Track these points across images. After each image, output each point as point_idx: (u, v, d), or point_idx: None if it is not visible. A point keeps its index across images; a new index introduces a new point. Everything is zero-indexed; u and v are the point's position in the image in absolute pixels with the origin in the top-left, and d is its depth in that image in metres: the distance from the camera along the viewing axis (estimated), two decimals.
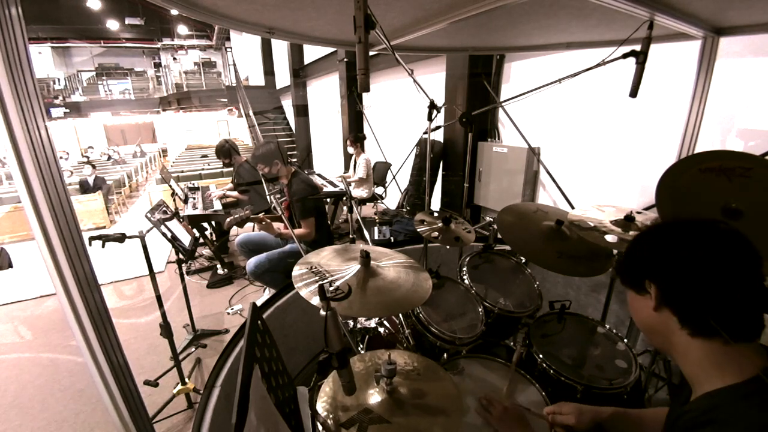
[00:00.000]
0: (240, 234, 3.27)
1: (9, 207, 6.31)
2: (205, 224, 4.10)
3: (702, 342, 0.64)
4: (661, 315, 0.68)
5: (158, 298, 2.07)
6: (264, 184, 2.53)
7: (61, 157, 10.86)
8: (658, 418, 0.87)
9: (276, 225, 2.46)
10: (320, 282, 1.07)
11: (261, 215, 2.40)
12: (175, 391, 2.22)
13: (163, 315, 2.09)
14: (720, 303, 0.61)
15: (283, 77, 11.15)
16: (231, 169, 4.50)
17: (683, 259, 0.65)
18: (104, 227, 6.83)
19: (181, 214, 3.41)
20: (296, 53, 9.40)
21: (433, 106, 1.89)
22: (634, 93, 1.44)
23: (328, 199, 4.84)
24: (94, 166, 7.64)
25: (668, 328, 0.68)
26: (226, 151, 4.14)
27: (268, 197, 2.35)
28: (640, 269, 0.72)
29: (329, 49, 7.18)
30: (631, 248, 0.76)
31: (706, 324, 0.62)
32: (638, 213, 1.49)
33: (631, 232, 1.38)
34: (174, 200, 4.28)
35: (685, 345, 0.66)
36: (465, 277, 1.57)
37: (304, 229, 2.59)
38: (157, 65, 22.12)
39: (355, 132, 6.22)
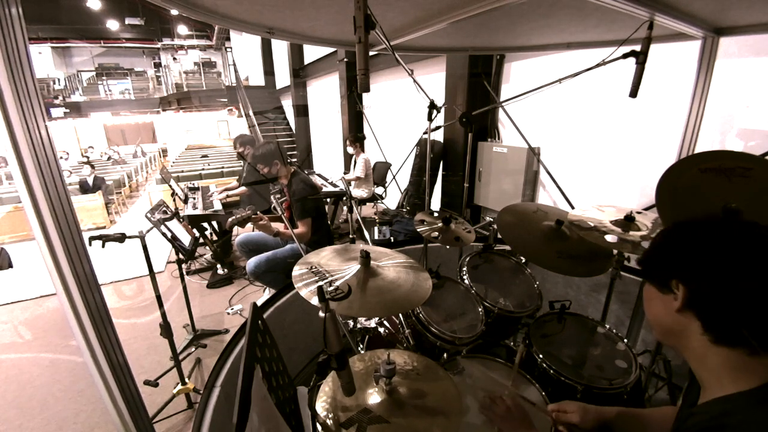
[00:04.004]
0: (240, 234, 3.27)
1: (9, 207, 6.32)
2: (206, 224, 4.11)
3: (723, 349, 0.61)
4: (683, 317, 0.64)
5: (158, 298, 2.07)
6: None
7: (61, 157, 10.86)
8: (664, 418, 0.87)
9: (275, 225, 2.46)
10: (319, 283, 1.07)
11: (259, 214, 2.40)
12: (175, 391, 2.22)
13: (163, 315, 2.09)
14: (756, 313, 0.57)
15: (283, 77, 11.15)
16: (231, 169, 4.54)
17: (721, 264, 0.60)
18: (104, 227, 6.83)
19: (181, 214, 3.42)
20: (296, 53, 9.39)
21: (433, 106, 1.89)
22: (634, 93, 1.44)
23: (328, 199, 4.84)
24: (93, 166, 7.65)
25: (687, 331, 0.65)
26: (250, 139, 4.20)
27: (270, 197, 2.35)
28: (668, 267, 0.67)
29: (329, 49, 7.18)
30: (660, 242, 0.71)
31: (734, 334, 0.59)
32: (638, 213, 1.49)
33: (632, 232, 1.38)
34: (174, 200, 4.28)
35: (703, 350, 0.63)
36: (465, 277, 1.57)
37: (301, 229, 2.59)
38: (157, 65, 22.09)
39: (355, 132, 6.22)
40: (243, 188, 4.43)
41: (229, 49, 19.00)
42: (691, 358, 0.67)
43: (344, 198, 3.54)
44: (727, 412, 0.59)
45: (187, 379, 2.26)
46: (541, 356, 1.26)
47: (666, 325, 0.69)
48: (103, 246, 1.83)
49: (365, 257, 1.16)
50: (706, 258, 0.62)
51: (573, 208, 1.71)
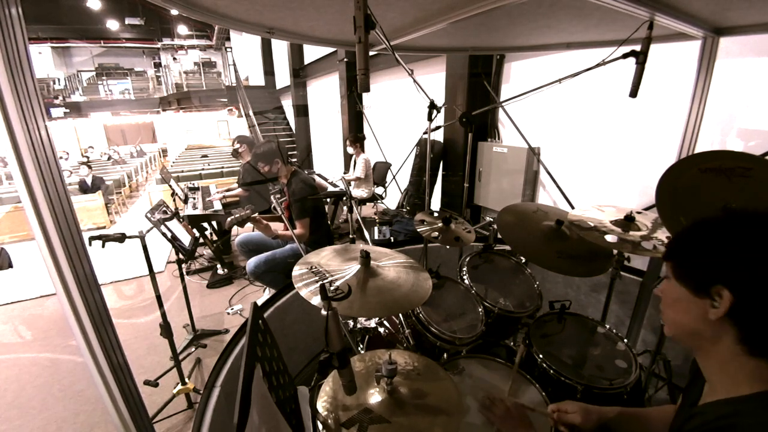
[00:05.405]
0: (240, 234, 3.27)
1: (9, 207, 6.31)
2: (205, 224, 4.12)
3: (754, 360, 0.57)
4: (717, 323, 0.58)
5: (158, 298, 2.07)
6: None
7: (61, 157, 10.86)
8: (664, 417, 0.87)
9: (275, 225, 2.45)
10: (321, 282, 1.07)
11: (257, 215, 2.40)
12: (175, 391, 2.22)
13: (163, 315, 2.09)
14: None
15: (283, 77, 11.15)
16: (231, 169, 4.54)
17: None
18: (104, 227, 6.83)
19: (181, 214, 3.42)
20: (296, 53, 9.39)
21: (433, 106, 1.89)
22: (634, 93, 1.44)
23: (328, 199, 4.84)
24: (90, 167, 7.63)
25: (717, 338, 0.60)
26: (250, 140, 4.23)
27: (270, 197, 2.35)
28: (714, 271, 0.59)
29: (329, 49, 7.18)
30: (703, 239, 0.62)
31: None
32: (638, 213, 1.49)
33: (632, 232, 1.38)
34: (174, 200, 4.28)
35: (730, 357, 0.59)
36: (465, 277, 1.57)
37: (299, 229, 2.59)
38: (157, 65, 22.10)
39: (355, 132, 6.22)
40: (239, 190, 4.44)
41: (229, 49, 19.01)
42: (708, 362, 0.64)
43: (344, 198, 3.55)
44: (735, 413, 0.57)
45: (187, 379, 2.25)
46: (541, 356, 1.26)
47: (693, 330, 0.63)
48: (103, 246, 1.83)
49: (365, 257, 1.17)
50: (762, 265, 0.55)
51: (573, 208, 1.71)
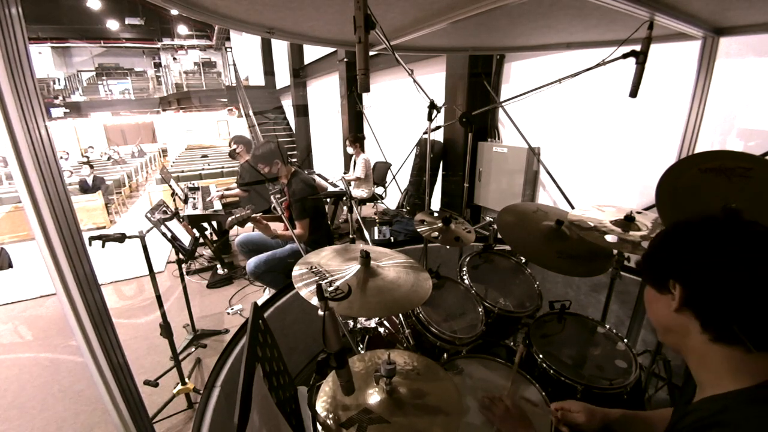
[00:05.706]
0: (240, 234, 3.27)
1: (9, 207, 6.32)
2: (205, 224, 4.12)
3: (722, 348, 0.62)
4: (681, 316, 0.66)
5: (158, 298, 2.07)
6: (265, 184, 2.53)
7: (61, 157, 10.86)
8: (667, 419, 0.87)
9: (274, 226, 2.45)
10: (319, 282, 1.07)
11: (258, 215, 2.40)
12: (175, 391, 2.22)
13: (163, 315, 2.09)
14: (749, 311, 0.59)
15: (283, 77, 11.15)
16: (231, 169, 4.54)
17: (714, 263, 0.62)
18: (104, 227, 6.83)
19: (181, 214, 3.42)
20: (296, 53, 9.39)
21: (433, 106, 1.89)
22: (634, 93, 1.44)
23: (328, 199, 4.84)
24: (92, 166, 7.65)
25: (686, 330, 0.66)
26: (247, 141, 4.22)
27: (270, 197, 2.35)
28: (664, 268, 0.69)
29: (329, 49, 7.18)
30: (657, 244, 0.73)
31: (730, 331, 0.60)
32: (638, 213, 1.49)
33: (632, 232, 1.38)
34: (174, 200, 4.28)
35: (702, 348, 0.64)
36: (465, 277, 1.57)
37: (299, 229, 2.59)
38: (157, 65, 22.09)
39: (354, 132, 6.22)
40: (238, 190, 4.44)
41: (229, 49, 19.00)
42: (691, 359, 0.68)
43: (344, 198, 3.54)
44: (723, 409, 0.59)
45: (187, 379, 2.26)
46: (541, 356, 1.26)
47: (667, 326, 0.70)
48: (103, 246, 1.83)
49: (365, 257, 1.16)
50: (700, 257, 0.64)
51: (573, 208, 1.71)
